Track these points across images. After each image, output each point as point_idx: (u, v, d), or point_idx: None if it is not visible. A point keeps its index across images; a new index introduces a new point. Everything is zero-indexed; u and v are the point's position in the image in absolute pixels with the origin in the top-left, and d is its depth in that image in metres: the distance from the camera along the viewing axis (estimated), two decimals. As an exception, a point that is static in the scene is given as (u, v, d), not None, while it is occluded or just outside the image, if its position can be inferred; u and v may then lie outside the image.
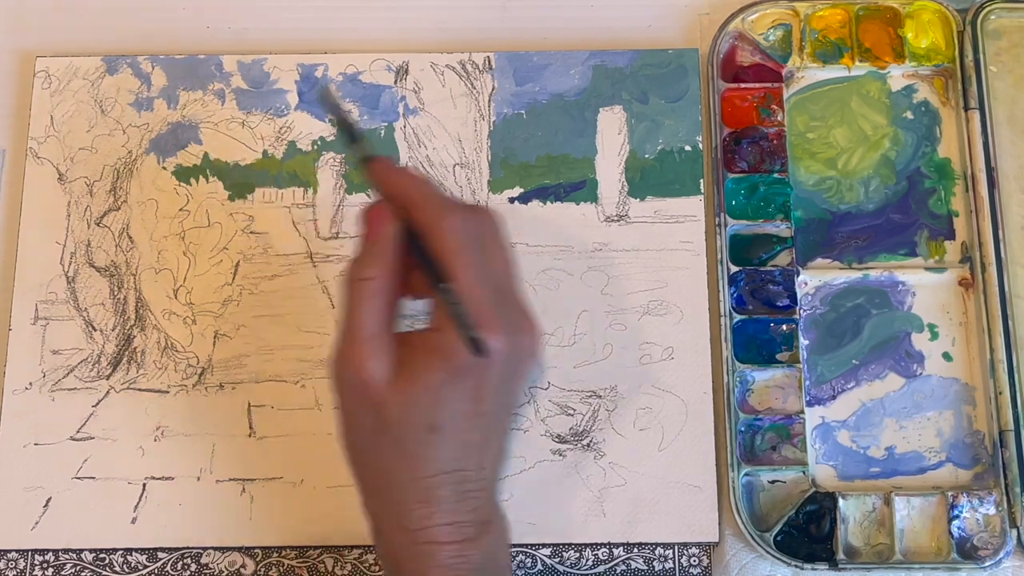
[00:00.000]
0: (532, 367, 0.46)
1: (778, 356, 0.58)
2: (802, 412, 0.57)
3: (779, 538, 0.56)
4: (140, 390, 0.59)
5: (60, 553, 0.56)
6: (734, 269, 0.59)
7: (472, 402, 0.44)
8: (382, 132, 0.62)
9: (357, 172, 0.61)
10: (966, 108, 0.61)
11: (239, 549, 0.57)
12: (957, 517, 0.56)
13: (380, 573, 0.56)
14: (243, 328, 0.59)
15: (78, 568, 0.56)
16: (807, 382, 0.58)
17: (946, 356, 0.59)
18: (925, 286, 0.60)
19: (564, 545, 0.56)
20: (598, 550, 0.56)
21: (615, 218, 0.60)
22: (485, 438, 0.45)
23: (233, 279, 0.60)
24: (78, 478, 0.57)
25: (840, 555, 0.55)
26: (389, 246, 0.44)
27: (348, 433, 0.46)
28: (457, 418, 0.44)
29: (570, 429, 0.58)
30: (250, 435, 0.58)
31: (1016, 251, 0.60)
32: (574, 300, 0.59)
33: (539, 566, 0.56)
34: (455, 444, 0.44)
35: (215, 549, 0.57)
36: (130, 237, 0.61)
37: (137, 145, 0.62)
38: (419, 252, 0.44)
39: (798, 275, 0.60)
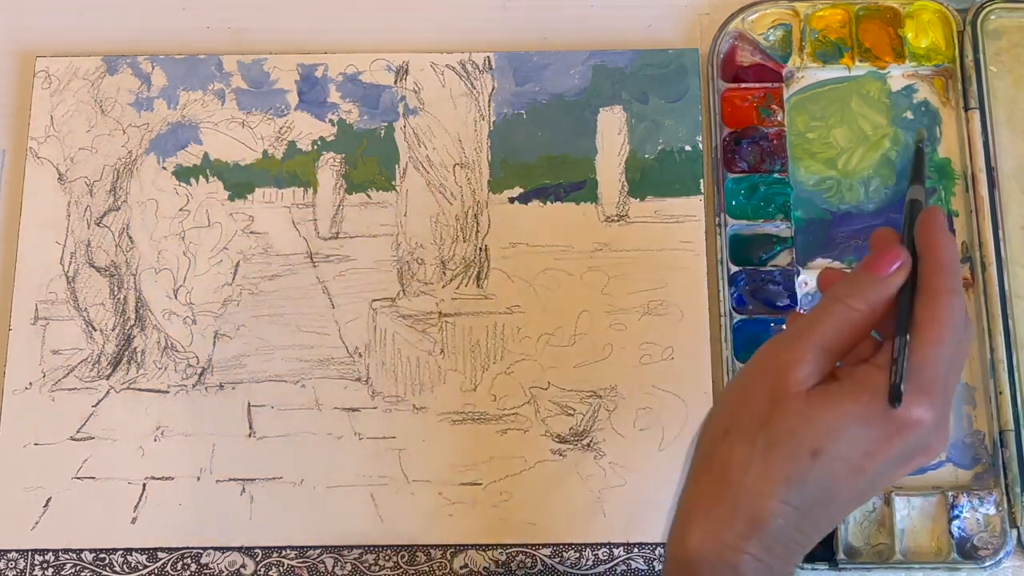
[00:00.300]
0: (921, 464, 0.43)
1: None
2: (802, 412, 0.57)
3: (779, 538, 0.56)
4: (140, 390, 0.59)
5: (60, 553, 0.56)
6: (734, 269, 0.59)
7: (862, 455, 0.42)
8: (382, 132, 0.62)
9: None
10: (966, 108, 0.61)
11: (239, 549, 0.57)
12: (957, 517, 0.56)
13: (381, 573, 0.56)
14: (243, 328, 0.59)
15: (78, 568, 0.56)
16: (807, 382, 0.58)
17: (946, 356, 0.59)
18: (925, 286, 0.60)
19: (564, 545, 0.56)
20: (598, 550, 0.56)
21: (615, 218, 0.60)
22: (845, 506, 0.43)
23: (233, 279, 0.60)
24: (78, 478, 0.57)
25: (840, 555, 0.55)
26: (888, 291, 0.43)
27: (730, 410, 0.44)
28: (840, 460, 0.42)
29: (570, 429, 0.58)
30: (250, 435, 0.58)
31: (1016, 251, 0.60)
32: (574, 300, 0.59)
33: (539, 566, 0.56)
34: (820, 486, 0.42)
35: (215, 549, 0.57)
36: (130, 237, 0.61)
37: (137, 145, 0.62)
38: (899, 305, 0.43)
39: (798, 275, 0.60)
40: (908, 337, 0.42)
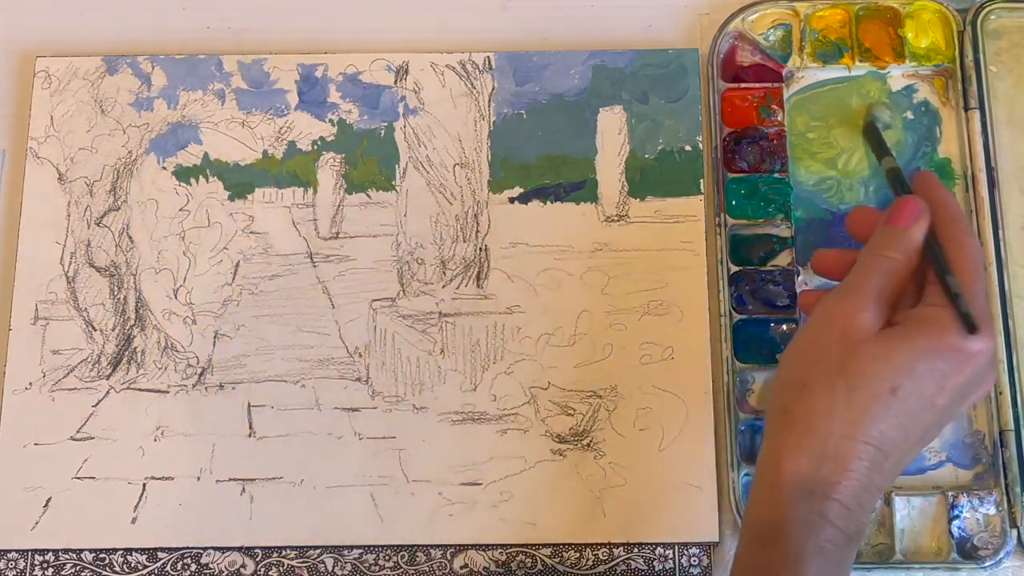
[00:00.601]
0: (979, 397, 0.48)
1: (778, 356, 0.58)
2: (802, 412, 0.57)
3: (779, 538, 0.56)
4: (140, 390, 0.59)
5: (60, 553, 0.56)
6: (734, 269, 0.59)
7: (936, 388, 0.45)
8: (382, 132, 0.62)
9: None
10: (966, 108, 0.61)
11: (239, 549, 0.57)
12: (957, 517, 0.56)
13: (381, 573, 0.56)
14: (243, 328, 0.59)
15: (78, 568, 0.56)
16: (807, 382, 0.58)
17: (946, 356, 0.59)
18: (925, 286, 0.60)
19: (564, 545, 0.56)
20: (598, 550, 0.56)
21: (615, 218, 0.60)
22: (920, 438, 0.46)
23: (233, 279, 0.60)
24: (78, 478, 0.57)
25: (840, 555, 0.55)
26: (917, 238, 0.48)
27: (803, 366, 0.46)
28: (917, 396, 0.45)
29: (570, 429, 0.58)
30: (250, 435, 0.58)
31: (1016, 251, 0.60)
32: (574, 300, 0.59)
33: (539, 566, 0.56)
34: (899, 422, 0.45)
35: (215, 549, 0.57)
36: (130, 237, 0.61)
37: (137, 145, 0.62)
38: (931, 253, 0.48)
39: (798, 275, 0.60)
40: (953, 278, 0.46)
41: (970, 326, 0.44)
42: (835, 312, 0.46)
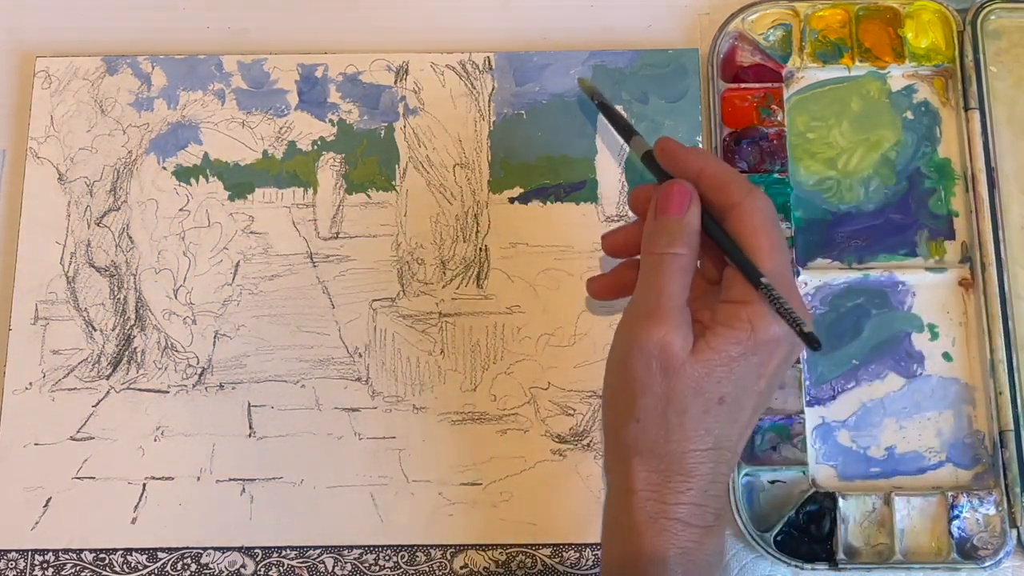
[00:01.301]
0: (797, 354, 0.48)
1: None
2: (802, 412, 0.57)
3: (779, 538, 0.56)
4: (140, 390, 0.59)
5: (60, 553, 0.56)
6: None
7: (756, 378, 0.45)
8: (382, 132, 0.62)
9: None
10: (966, 108, 0.61)
11: (239, 549, 0.57)
12: (957, 517, 0.56)
13: (381, 573, 0.56)
14: (243, 328, 0.59)
15: (78, 568, 0.56)
16: (807, 382, 0.58)
17: (946, 356, 0.59)
18: (925, 286, 0.60)
19: (564, 545, 0.56)
20: (598, 550, 0.56)
21: (615, 218, 0.60)
22: (751, 419, 0.47)
23: (233, 279, 0.60)
24: (78, 478, 0.57)
25: (840, 555, 0.55)
26: (695, 225, 0.47)
27: (627, 403, 0.46)
28: (741, 392, 0.45)
29: (570, 429, 0.58)
30: (250, 435, 0.58)
31: (1016, 251, 0.60)
32: (574, 300, 0.59)
33: (539, 566, 0.56)
34: (730, 419, 0.46)
35: (215, 549, 0.57)
36: (130, 237, 0.61)
37: (137, 145, 0.62)
38: (718, 236, 0.46)
39: (798, 275, 0.60)
40: (761, 276, 0.44)
41: (814, 344, 0.44)
42: (647, 341, 0.45)
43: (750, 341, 0.45)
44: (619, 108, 0.60)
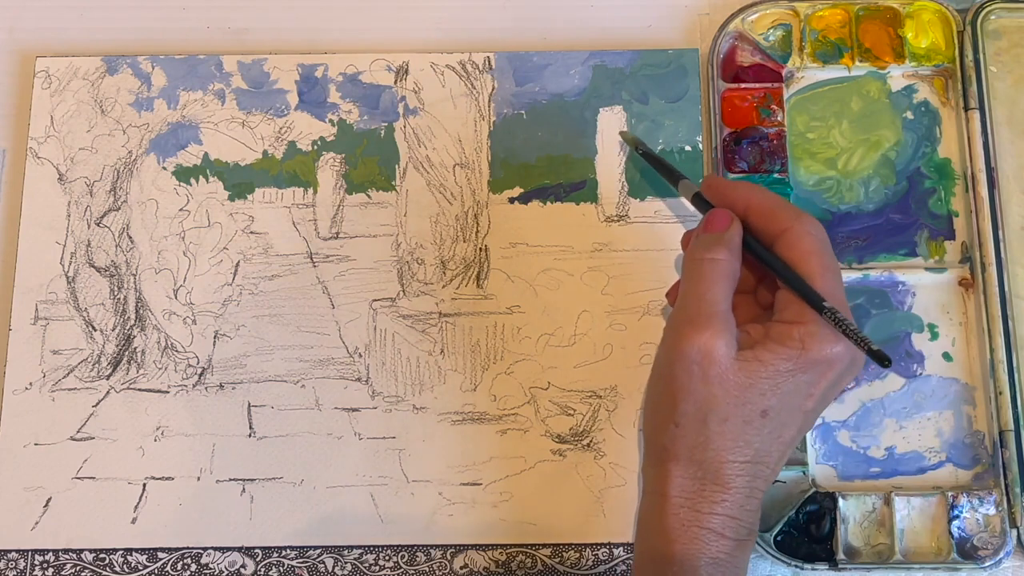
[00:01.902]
0: (851, 379, 0.48)
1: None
2: (802, 412, 0.57)
3: (779, 538, 0.56)
4: (140, 390, 0.59)
5: (60, 553, 0.56)
6: (734, 269, 0.59)
7: (804, 397, 0.46)
8: (382, 132, 0.62)
9: (355, 175, 0.61)
10: (966, 108, 0.61)
11: (239, 549, 0.57)
12: (957, 517, 0.56)
13: (381, 573, 0.56)
14: (243, 328, 0.59)
15: (78, 568, 0.56)
16: (807, 382, 0.58)
17: (946, 356, 0.59)
18: (925, 286, 0.60)
19: (564, 545, 0.56)
20: (598, 550, 0.56)
21: (615, 218, 0.60)
22: (794, 438, 0.47)
23: (233, 279, 0.60)
24: (78, 478, 0.57)
25: (840, 555, 0.55)
26: (736, 237, 0.47)
27: (669, 406, 0.46)
28: (786, 409, 0.45)
29: (570, 429, 0.58)
30: (250, 435, 0.58)
31: (1016, 251, 0.60)
32: (574, 300, 0.59)
33: (539, 566, 0.56)
34: (772, 435, 0.46)
35: (215, 549, 0.57)
36: (130, 237, 0.61)
37: (137, 145, 0.62)
38: (769, 258, 0.47)
39: (798, 275, 0.60)
40: (823, 300, 0.45)
41: (883, 361, 0.43)
42: (689, 347, 0.45)
43: (801, 359, 0.45)
44: (659, 153, 0.60)
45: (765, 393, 0.45)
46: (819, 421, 0.58)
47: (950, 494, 0.56)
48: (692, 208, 0.52)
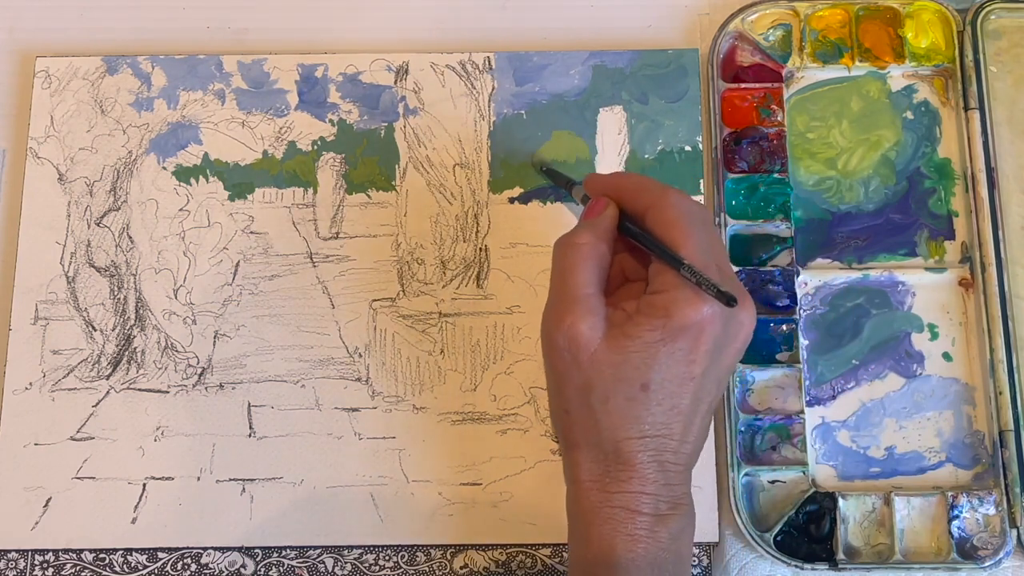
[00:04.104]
0: (743, 345, 0.47)
1: (778, 356, 0.58)
2: (802, 412, 0.57)
3: (779, 538, 0.56)
4: (140, 390, 0.59)
5: (60, 553, 0.56)
6: (734, 269, 0.59)
7: (686, 364, 0.45)
8: (382, 132, 0.62)
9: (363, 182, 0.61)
10: (966, 108, 0.61)
11: (239, 549, 0.57)
12: (957, 517, 0.56)
13: (381, 573, 0.56)
14: (243, 328, 0.59)
15: (78, 568, 0.56)
16: (807, 382, 0.58)
17: (946, 356, 0.59)
18: (925, 286, 0.60)
19: (564, 545, 0.56)
20: (598, 550, 0.56)
21: (615, 218, 0.60)
22: (694, 407, 0.46)
23: (233, 279, 0.60)
24: (78, 478, 0.57)
25: (840, 555, 0.55)
26: (604, 221, 0.48)
27: (557, 394, 0.47)
28: (669, 380, 0.45)
29: (570, 429, 0.58)
30: (250, 435, 0.58)
31: (1016, 251, 0.60)
32: (574, 300, 0.59)
33: (539, 566, 0.56)
34: (663, 407, 0.45)
35: (215, 549, 0.57)
36: (130, 237, 0.61)
37: (137, 145, 0.62)
38: (638, 233, 0.47)
39: (798, 275, 0.60)
40: (682, 259, 0.45)
41: (727, 300, 0.43)
42: (556, 334, 0.46)
43: (667, 328, 0.44)
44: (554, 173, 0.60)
45: (640, 367, 0.45)
46: (818, 421, 0.58)
47: (950, 494, 0.56)
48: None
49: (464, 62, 0.63)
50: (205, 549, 0.57)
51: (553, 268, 0.48)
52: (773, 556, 0.55)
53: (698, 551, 0.56)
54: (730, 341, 0.46)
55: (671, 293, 0.45)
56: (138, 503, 0.57)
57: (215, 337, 0.59)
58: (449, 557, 0.56)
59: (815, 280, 0.60)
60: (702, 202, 0.60)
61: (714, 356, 0.45)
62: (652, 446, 0.45)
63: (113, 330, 0.59)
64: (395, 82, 0.63)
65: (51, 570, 0.56)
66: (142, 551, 0.56)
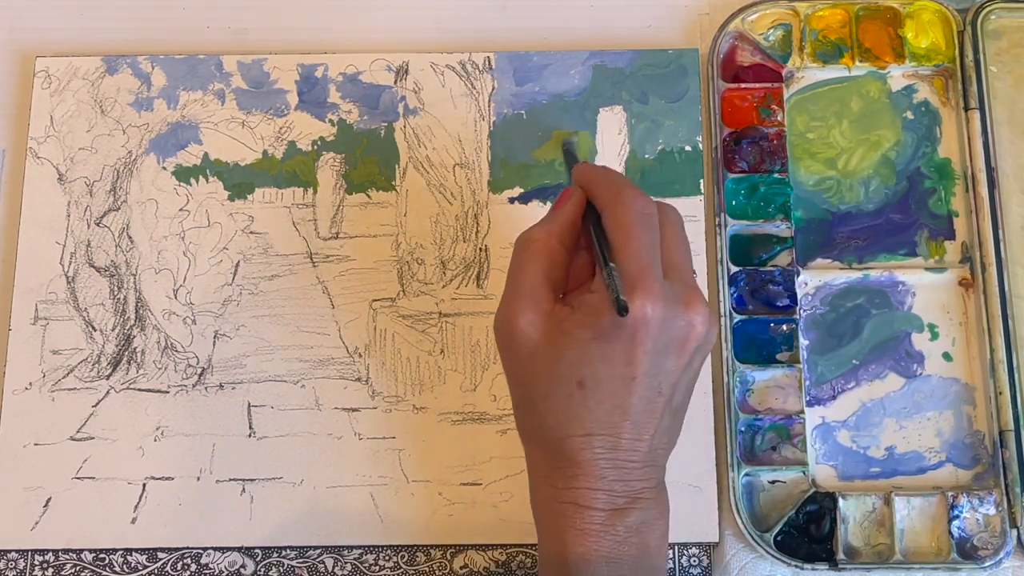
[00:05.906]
0: (696, 346, 0.45)
1: (778, 356, 0.58)
2: (802, 412, 0.57)
3: (779, 538, 0.56)
4: (140, 390, 0.59)
5: (60, 553, 0.56)
6: (734, 269, 0.59)
7: (623, 364, 0.44)
8: (382, 132, 0.62)
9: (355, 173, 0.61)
10: (966, 108, 0.61)
11: (239, 549, 0.57)
12: (957, 517, 0.56)
13: (381, 573, 0.56)
14: (243, 328, 0.59)
15: (78, 568, 0.56)
16: (807, 382, 0.58)
17: (946, 356, 0.59)
18: (925, 286, 0.60)
19: (564, 545, 0.56)
20: (598, 550, 0.56)
21: (615, 218, 0.60)
22: (643, 407, 0.45)
23: (233, 279, 0.60)
24: (78, 478, 0.57)
25: (840, 555, 0.55)
26: (563, 215, 0.47)
27: (510, 390, 0.48)
28: (607, 379, 0.44)
29: (570, 429, 0.58)
30: (250, 435, 0.58)
31: (1016, 251, 0.60)
32: (574, 300, 0.59)
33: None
34: (605, 407, 0.44)
35: (215, 549, 0.57)
36: (130, 237, 0.61)
37: (137, 145, 0.62)
38: (589, 230, 0.47)
39: (798, 275, 0.60)
40: (608, 259, 0.44)
41: (620, 310, 0.43)
42: (499, 330, 0.46)
43: (598, 327, 0.44)
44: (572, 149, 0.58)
45: (574, 364, 0.44)
46: (818, 421, 0.58)
47: (950, 494, 0.56)
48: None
49: (464, 62, 0.63)
50: (205, 549, 0.57)
51: (510, 263, 0.47)
52: (773, 556, 0.55)
53: (698, 551, 0.56)
54: (678, 342, 0.45)
55: (604, 293, 0.44)
56: (138, 503, 0.57)
57: (215, 337, 0.59)
58: (449, 557, 0.56)
59: (815, 280, 0.60)
60: (700, 202, 0.60)
61: (657, 357, 0.44)
62: (599, 444, 0.45)
63: (113, 330, 0.59)
64: (395, 82, 0.63)
65: (51, 570, 0.56)
66: (142, 551, 0.56)
